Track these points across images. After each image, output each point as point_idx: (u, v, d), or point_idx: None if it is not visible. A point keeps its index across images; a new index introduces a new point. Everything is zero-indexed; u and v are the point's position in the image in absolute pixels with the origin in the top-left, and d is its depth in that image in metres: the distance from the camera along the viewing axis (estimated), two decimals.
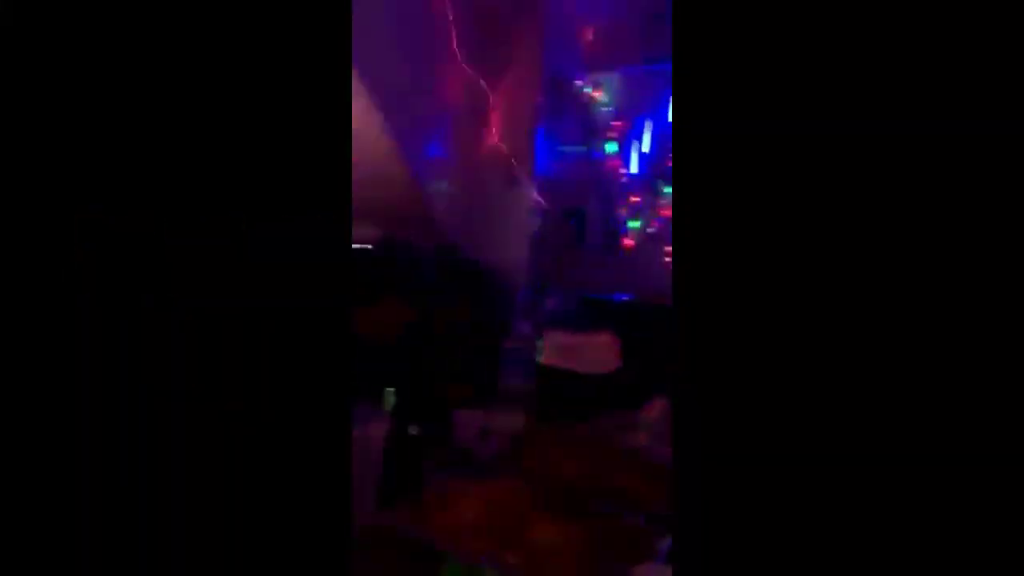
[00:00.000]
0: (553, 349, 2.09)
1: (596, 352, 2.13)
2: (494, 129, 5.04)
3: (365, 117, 3.81)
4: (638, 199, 3.15)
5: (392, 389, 1.52)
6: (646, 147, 3.09)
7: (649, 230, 3.12)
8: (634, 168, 3.43)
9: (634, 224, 3.13)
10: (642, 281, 3.12)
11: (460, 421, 1.70)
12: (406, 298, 1.88)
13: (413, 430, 1.62)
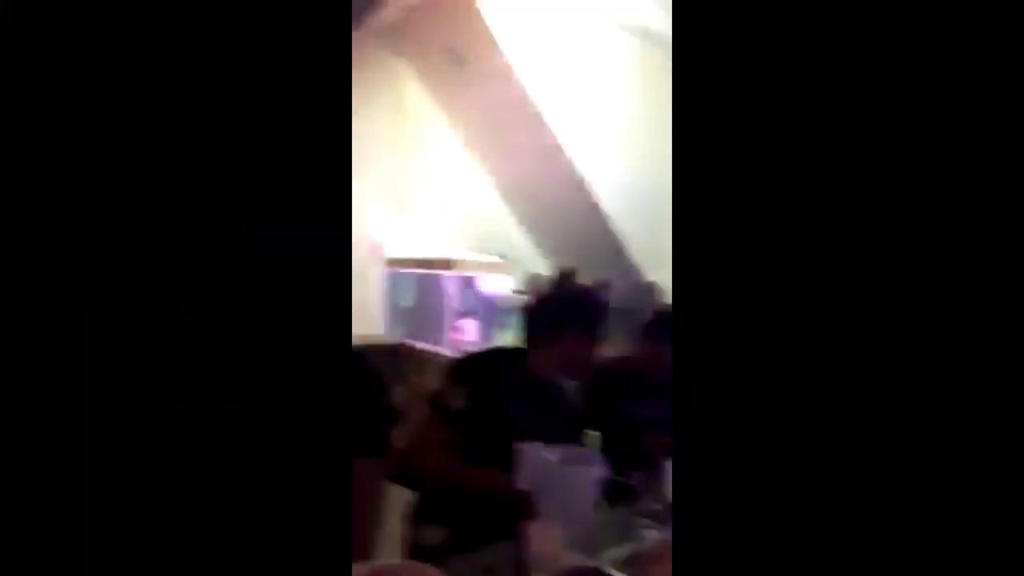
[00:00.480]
0: None
1: None
2: None
3: (553, 155, 3.70)
4: None
5: (596, 433, 1.48)
6: None
7: None
8: None
9: None
10: None
11: (669, 472, 1.61)
12: (592, 338, 1.74)
13: (621, 479, 1.56)
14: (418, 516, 1.66)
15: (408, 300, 4.04)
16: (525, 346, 1.73)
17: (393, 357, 3.53)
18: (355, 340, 1.53)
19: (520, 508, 1.32)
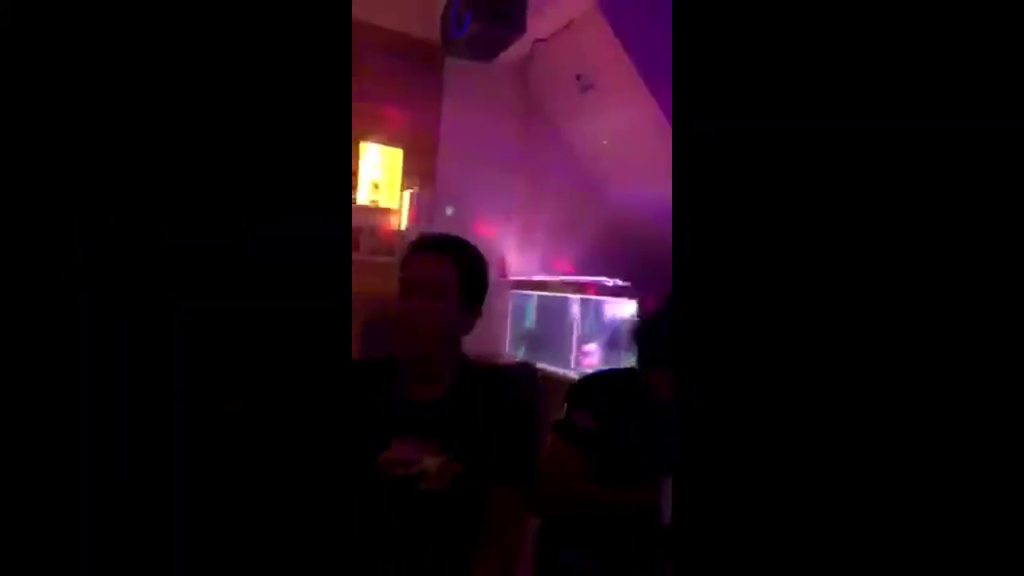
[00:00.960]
0: None
1: None
2: None
3: None
4: None
5: None
6: None
7: None
8: None
9: None
10: None
11: None
12: None
13: None
14: (555, 540, 1.64)
15: (531, 321, 4.08)
16: (640, 368, 1.68)
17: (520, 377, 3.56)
18: (480, 357, 1.53)
19: (666, 544, 1.30)
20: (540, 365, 3.65)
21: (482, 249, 1.48)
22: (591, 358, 3.53)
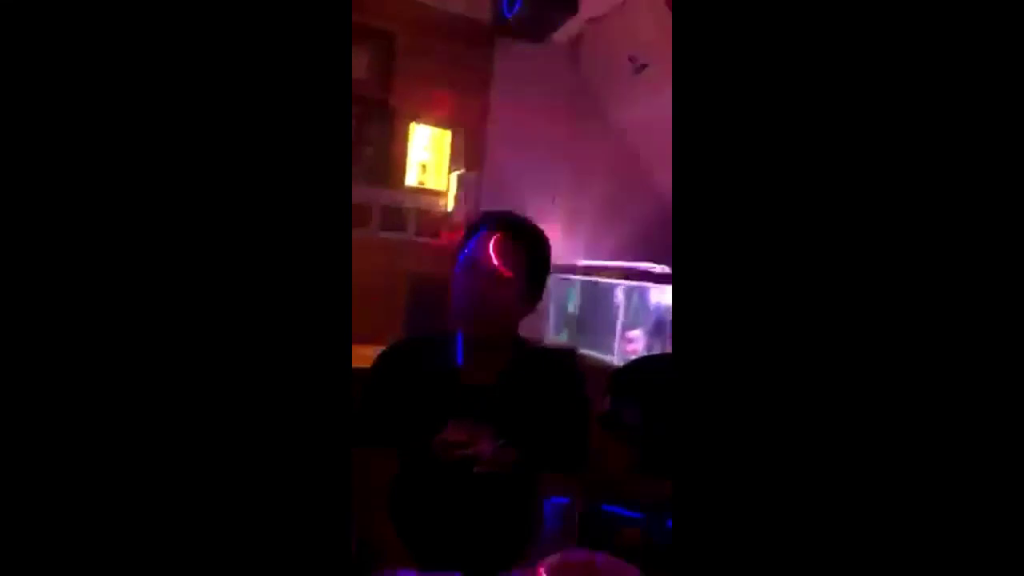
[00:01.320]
0: None
1: None
2: None
3: None
4: None
5: None
6: None
7: None
8: None
9: None
10: None
11: None
12: None
13: None
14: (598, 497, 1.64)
15: (575, 306, 4.07)
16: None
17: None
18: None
19: None
20: (583, 351, 3.62)
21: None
22: (635, 345, 3.50)
